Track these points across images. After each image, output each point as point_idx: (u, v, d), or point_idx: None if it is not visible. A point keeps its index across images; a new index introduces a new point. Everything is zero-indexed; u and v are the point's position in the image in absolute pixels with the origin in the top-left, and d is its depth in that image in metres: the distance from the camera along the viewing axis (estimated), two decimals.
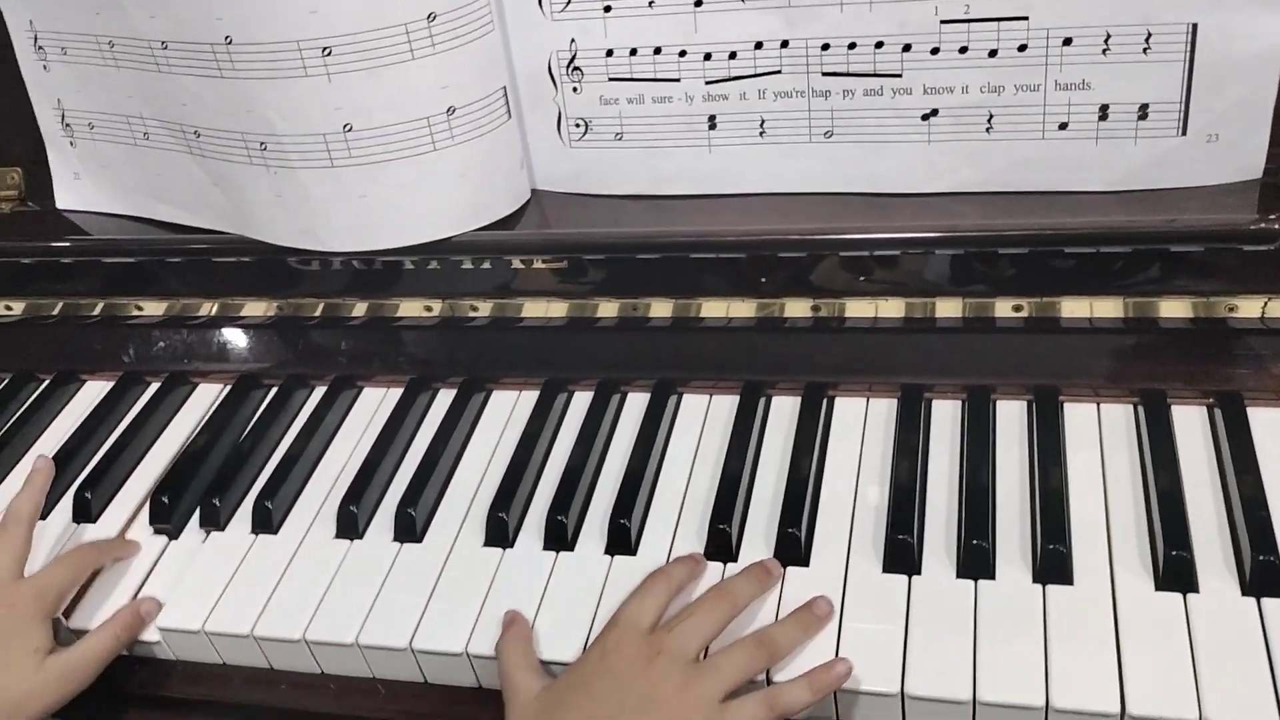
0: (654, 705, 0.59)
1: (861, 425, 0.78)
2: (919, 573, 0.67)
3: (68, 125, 0.81)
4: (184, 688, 0.75)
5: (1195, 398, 0.74)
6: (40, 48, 0.78)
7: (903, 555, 0.67)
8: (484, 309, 0.84)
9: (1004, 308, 0.73)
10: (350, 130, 0.67)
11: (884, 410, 0.79)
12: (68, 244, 0.87)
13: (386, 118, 0.67)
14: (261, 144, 0.69)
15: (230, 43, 0.66)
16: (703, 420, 0.82)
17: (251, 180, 0.72)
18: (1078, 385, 0.76)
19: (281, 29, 0.64)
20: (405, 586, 0.73)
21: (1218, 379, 0.72)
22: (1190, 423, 0.73)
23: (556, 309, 0.83)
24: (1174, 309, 0.72)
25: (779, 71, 0.66)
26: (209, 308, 0.91)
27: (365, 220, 0.71)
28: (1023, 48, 0.62)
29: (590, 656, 0.63)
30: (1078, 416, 0.75)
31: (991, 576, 0.66)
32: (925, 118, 0.65)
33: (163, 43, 0.69)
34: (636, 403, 0.84)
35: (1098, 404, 0.76)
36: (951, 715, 0.61)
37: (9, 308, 0.95)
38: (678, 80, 0.68)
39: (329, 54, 0.65)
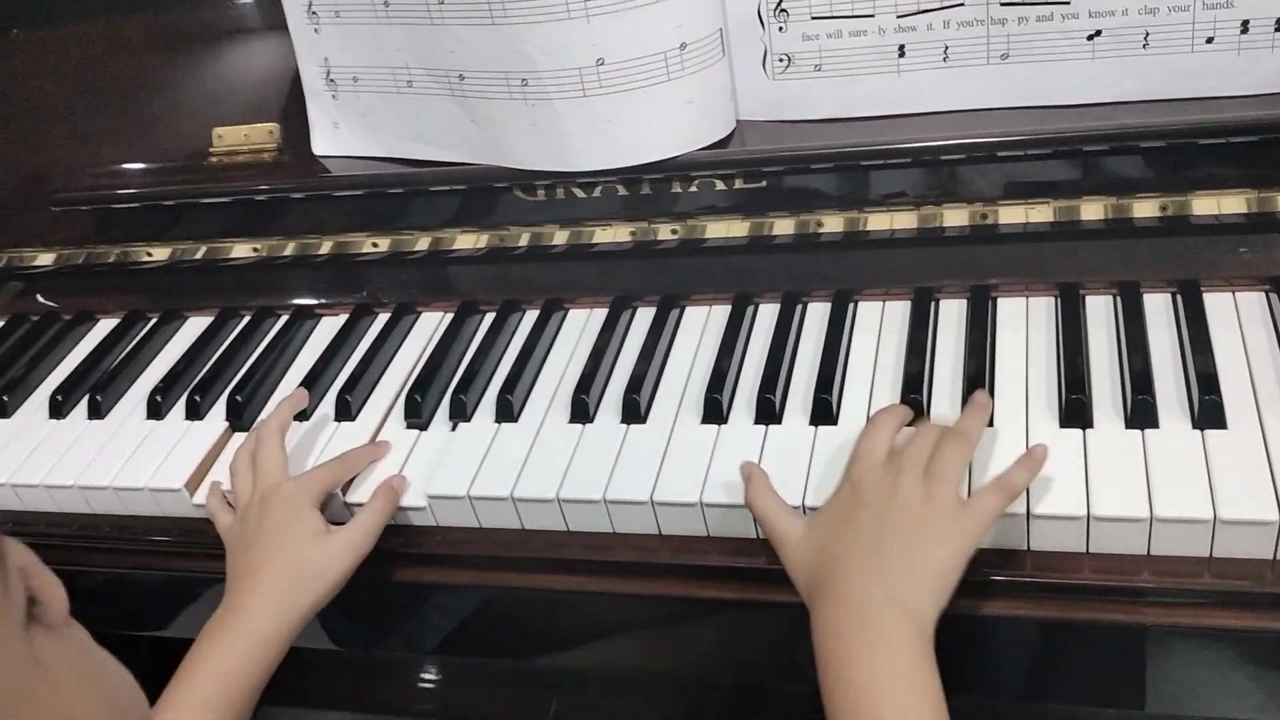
0: (908, 520, 0.69)
1: (1025, 319, 0.90)
2: (1092, 426, 0.79)
3: (332, 80, 0.96)
4: (442, 548, 0.89)
5: None
6: (313, 13, 0.93)
7: (1078, 411, 0.79)
8: (680, 231, 0.97)
9: (1147, 208, 0.85)
10: (602, 64, 0.81)
11: (1043, 306, 0.91)
12: (323, 180, 1.01)
13: (632, 52, 0.81)
14: (523, 80, 0.83)
15: None
16: (879, 322, 0.94)
17: (509, 113, 0.85)
18: (1214, 277, 0.87)
19: None
20: (638, 456, 0.86)
21: None
22: None
23: (739, 229, 0.96)
24: None
25: (962, 4, 0.79)
26: (425, 242, 1.06)
27: (608, 142, 0.84)
28: None
29: (842, 494, 0.74)
30: (1217, 303, 0.87)
31: (1156, 426, 0.78)
32: (1090, 38, 0.78)
33: None
34: (818, 311, 0.96)
35: (1233, 292, 0.87)
36: (1130, 533, 0.73)
37: (255, 249, 1.10)
38: (872, 16, 0.81)
39: None
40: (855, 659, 0.65)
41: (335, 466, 0.89)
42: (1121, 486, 0.73)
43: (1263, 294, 0.86)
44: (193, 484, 0.95)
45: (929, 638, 0.66)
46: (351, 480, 0.90)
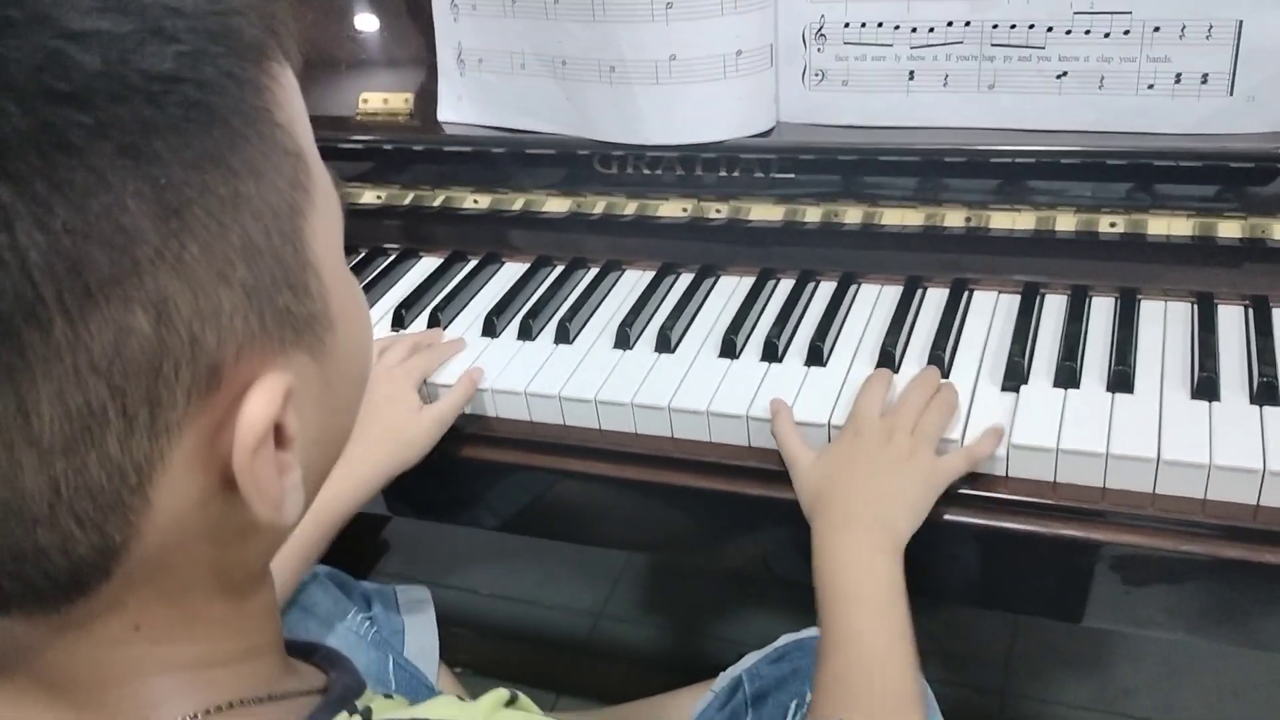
0: (896, 468, 0.89)
1: (992, 310, 1.10)
2: (1027, 382, 0.98)
3: (461, 61, 1.20)
4: (499, 433, 1.10)
5: (1235, 299, 1.04)
6: (455, 6, 1.18)
7: (1015, 373, 0.98)
8: (725, 211, 1.19)
9: (1105, 223, 1.05)
10: (674, 59, 1.03)
11: (1009, 302, 1.10)
12: (441, 139, 1.25)
13: (699, 52, 1.03)
14: (611, 68, 1.06)
15: None
16: (874, 301, 1.14)
17: (598, 94, 1.08)
18: (1153, 286, 1.06)
19: None
20: (664, 375, 1.06)
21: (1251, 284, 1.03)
22: (1232, 319, 1.03)
23: (774, 213, 1.17)
24: (1231, 229, 1.02)
25: (961, 43, 1.00)
26: (519, 202, 1.28)
27: (674, 122, 1.06)
28: (1126, 32, 0.95)
29: (845, 437, 0.93)
30: (1151, 309, 1.05)
31: (1077, 387, 0.96)
32: (1059, 77, 0.98)
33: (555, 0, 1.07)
34: (826, 288, 1.17)
35: (1165, 302, 1.06)
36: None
37: (378, 196, 1.34)
38: (891, 45, 1.03)
39: (670, 7, 1.01)
40: (844, 554, 0.86)
41: (429, 356, 1.11)
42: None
43: (1189, 304, 1.05)
44: None
45: (900, 547, 0.86)
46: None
